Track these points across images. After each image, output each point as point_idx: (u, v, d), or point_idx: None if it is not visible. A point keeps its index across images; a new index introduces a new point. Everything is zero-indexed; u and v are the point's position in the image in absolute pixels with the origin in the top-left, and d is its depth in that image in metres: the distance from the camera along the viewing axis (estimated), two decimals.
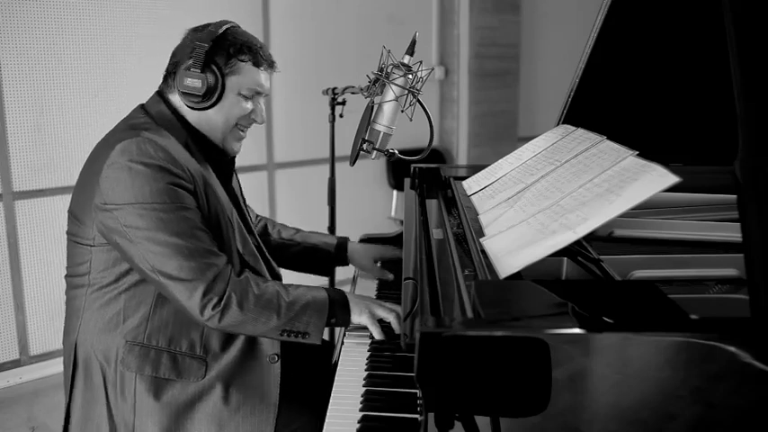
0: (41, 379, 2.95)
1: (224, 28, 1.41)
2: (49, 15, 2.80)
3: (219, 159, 1.50)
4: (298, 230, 1.85)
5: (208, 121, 1.44)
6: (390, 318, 1.44)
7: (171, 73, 1.44)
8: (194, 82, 1.37)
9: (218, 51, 1.40)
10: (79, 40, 2.89)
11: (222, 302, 1.30)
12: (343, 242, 1.83)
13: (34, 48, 2.79)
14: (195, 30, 1.44)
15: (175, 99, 1.44)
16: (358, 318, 1.44)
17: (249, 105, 1.47)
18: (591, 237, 1.07)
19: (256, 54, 1.43)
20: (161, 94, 1.46)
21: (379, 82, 1.48)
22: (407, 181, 1.97)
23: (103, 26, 2.93)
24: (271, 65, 1.48)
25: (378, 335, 1.43)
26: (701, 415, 0.86)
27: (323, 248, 1.78)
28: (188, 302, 1.30)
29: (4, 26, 2.71)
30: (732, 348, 0.84)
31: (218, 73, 1.39)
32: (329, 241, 1.82)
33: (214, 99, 1.40)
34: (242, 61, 1.42)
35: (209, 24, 1.43)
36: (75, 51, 2.89)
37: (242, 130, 1.50)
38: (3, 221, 2.81)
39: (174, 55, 1.45)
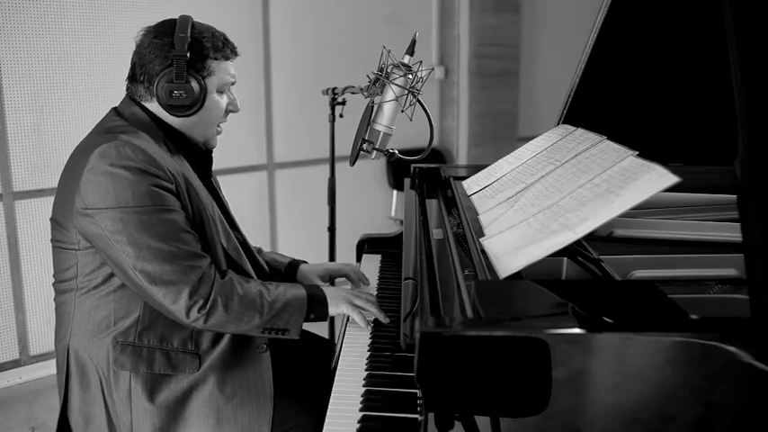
0: (41, 379, 2.95)
1: (189, 30, 1.38)
2: (49, 15, 2.80)
3: (197, 155, 1.50)
4: (257, 249, 1.78)
5: (191, 125, 1.45)
6: (368, 306, 1.48)
7: (143, 81, 1.40)
8: (181, 94, 1.37)
9: (196, 58, 1.39)
10: (79, 40, 2.89)
11: (208, 305, 1.31)
12: (295, 264, 1.78)
13: (34, 48, 2.79)
14: (156, 34, 1.39)
15: (151, 105, 1.42)
16: (336, 309, 1.46)
17: (225, 99, 1.48)
18: (591, 237, 1.07)
19: (225, 49, 1.44)
20: (132, 98, 1.44)
21: (379, 82, 1.48)
22: (407, 181, 1.97)
23: (103, 26, 2.93)
24: (236, 53, 1.48)
25: (361, 322, 1.47)
26: (701, 415, 0.86)
27: (274, 266, 1.76)
28: (173, 306, 1.30)
29: (4, 26, 2.71)
30: (732, 348, 0.84)
31: (199, 79, 1.39)
32: (282, 260, 1.79)
33: (199, 105, 1.41)
34: (215, 59, 1.42)
35: (168, 26, 1.39)
36: (76, 51, 2.89)
37: (220, 125, 1.51)
38: (3, 221, 2.81)
39: (141, 64, 1.40)
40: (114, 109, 1.45)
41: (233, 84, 1.49)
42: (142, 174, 1.29)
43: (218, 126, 1.51)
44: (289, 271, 1.77)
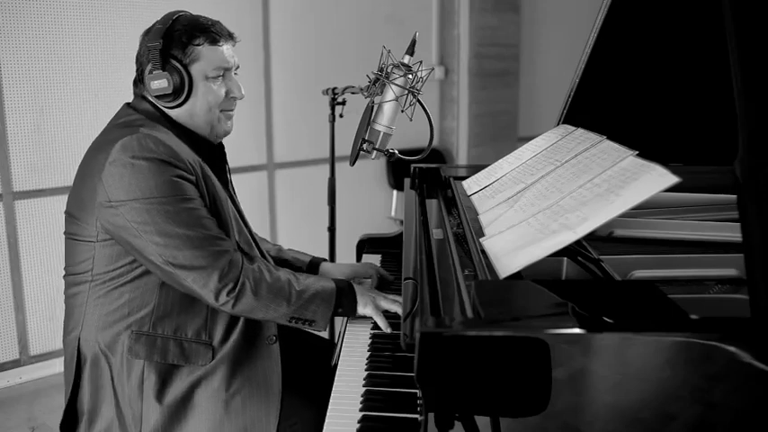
0: (41, 379, 2.95)
1: (171, 21, 1.40)
2: (49, 15, 2.80)
3: (209, 151, 1.50)
4: (278, 247, 1.80)
5: (189, 115, 1.44)
6: (394, 308, 1.48)
7: (140, 80, 1.44)
8: (160, 83, 1.38)
9: (172, 45, 1.39)
10: (79, 40, 2.89)
11: (237, 289, 1.33)
12: (317, 262, 1.78)
13: (34, 48, 2.79)
14: (146, 33, 1.43)
15: (156, 101, 1.44)
16: (363, 309, 1.47)
17: (222, 87, 1.45)
18: (591, 237, 1.07)
19: (209, 32, 1.41)
20: (140, 95, 1.46)
21: (379, 82, 1.48)
22: (407, 181, 1.97)
23: (103, 26, 2.93)
24: (229, 37, 1.46)
25: (384, 326, 1.46)
26: (701, 415, 0.86)
27: (294, 264, 1.76)
28: (203, 290, 1.32)
29: (4, 26, 2.71)
30: (732, 348, 0.84)
31: (179, 66, 1.39)
32: (303, 259, 1.78)
33: (185, 93, 1.40)
34: (198, 45, 1.40)
35: (157, 22, 1.42)
36: (76, 51, 2.89)
37: (228, 112, 1.49)
38: (3, 221, 2.81)
39: (137, 63, 1.45)
40: (127, 104, 1.47)
41: (228, 69, 1.46)
42: (164, 165, 1.31)
43: (228, 111, 1.49)
44: (310, 269, 1.77)
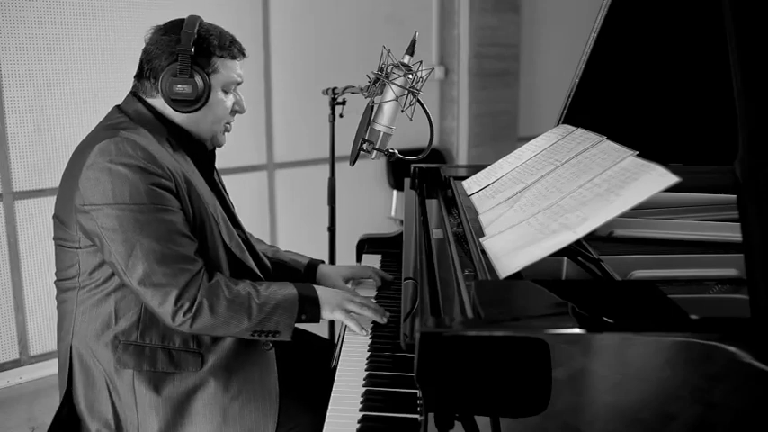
0: (41, 379, 2.95)
1: (196, 27, 1.40)
2: (49, 15, 2.80)
3: (200, 153, 1.50)
4: (275, 248, 1.79)
5: (196, 122, 1.45)
6: (363, 311, 1.46)
7: (149, 78, 1.42)
8: (185, 89, 1.38)
9: (201, 54, 1.40)
10: (79, 40, 2.89)
11: (194, 308, 1.30)
12: (315, 264, 1.77)
13: (34, 48, 2.78)
14: (165, 31, 1.41)
15: (156, 102, 1.43)
16: (330, 315, 1.45)
17: (231, 100, 1.48)
18: (591, 237, 1.07)
19: (232, 48, 1.45)
20: (136, 95, 1.45)
21: (379, 82, 1.48)
22: (407, 181, 1.97)
23: (104, 26, 2.93)
24: (244, 53, 1.49)
25: (356, 328, 1.45)
26: (701, 415, 0.86)
27: (292, 266, 1.74)
28: (160, 308, 1.30)
29: (4, 26, 2.71)
30: (732, 348, 0.84)
31: (204, 75, 1.40)
32: (300, 260, 1.77)
33: (203, 101, 1.41)
34: (221, 57, 1.43)
35: (176, 24, 1.41)
36: (76, 51, 2.89)
37: (228, 124, 1.51)
38: (3, 221, 2.81)
39: (148, 60, 1.41)
40: (117, 107, 1.45)
41: (239, 84, 1.49)
42: (141, 172, 1.29)
43: (228, 124, 1.51)
44: (308, 271, 1.75)
